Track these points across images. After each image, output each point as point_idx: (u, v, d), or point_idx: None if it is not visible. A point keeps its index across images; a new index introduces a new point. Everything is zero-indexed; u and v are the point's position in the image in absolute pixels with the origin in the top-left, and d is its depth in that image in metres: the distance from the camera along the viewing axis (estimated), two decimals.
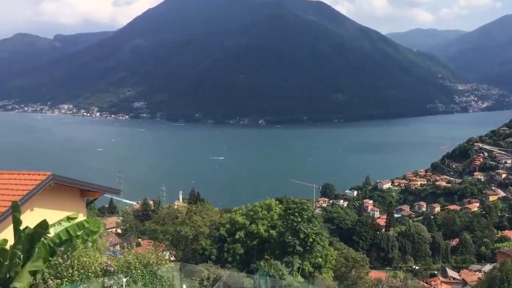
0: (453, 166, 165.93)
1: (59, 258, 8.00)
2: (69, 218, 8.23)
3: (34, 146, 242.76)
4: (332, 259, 27.15)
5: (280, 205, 28.46)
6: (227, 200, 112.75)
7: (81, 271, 8.23)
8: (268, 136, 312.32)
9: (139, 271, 9.06)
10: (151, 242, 39.58)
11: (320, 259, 25.11)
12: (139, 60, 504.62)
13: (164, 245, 32.17)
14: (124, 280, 8.46)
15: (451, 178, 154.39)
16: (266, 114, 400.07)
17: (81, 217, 13.36)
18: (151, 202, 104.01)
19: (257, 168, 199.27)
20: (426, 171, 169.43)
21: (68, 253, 8.08)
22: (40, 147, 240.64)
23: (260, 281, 16.18)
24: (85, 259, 8.38)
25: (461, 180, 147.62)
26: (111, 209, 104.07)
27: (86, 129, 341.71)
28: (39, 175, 11.48)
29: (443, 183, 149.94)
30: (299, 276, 21.74)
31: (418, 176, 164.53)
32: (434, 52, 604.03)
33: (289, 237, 23.02)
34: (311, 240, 22.89)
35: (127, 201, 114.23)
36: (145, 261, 9.22)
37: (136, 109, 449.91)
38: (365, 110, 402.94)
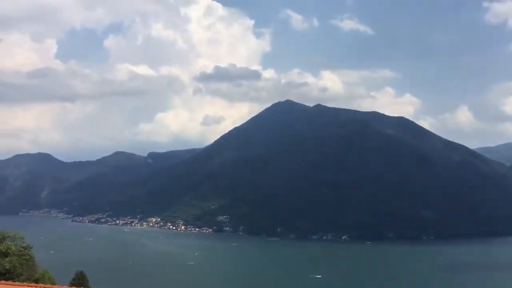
0: None
1: None
2: None
3: (130, 260, 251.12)
4: None
5: None
6: None
7: None
8: (355, 253, 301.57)
9: None
10: None
11: None
12: (224, 174, 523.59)
13: None
14: None
15: None
16: (350, 229, 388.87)
17: None
18: None
19: None
20: None
21: None
22: (136, 261, 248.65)
23: None
24: None
25: None
26: None
27: (172, 243, 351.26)
28: None
29: None
30: None
31: None
32: None
33: None
34: None
35: None
36: None
37: (219, 222, 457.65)
38: (457, 227, 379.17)
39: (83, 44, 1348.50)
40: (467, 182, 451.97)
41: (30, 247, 57.54)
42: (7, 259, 53.31)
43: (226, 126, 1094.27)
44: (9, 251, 54.52)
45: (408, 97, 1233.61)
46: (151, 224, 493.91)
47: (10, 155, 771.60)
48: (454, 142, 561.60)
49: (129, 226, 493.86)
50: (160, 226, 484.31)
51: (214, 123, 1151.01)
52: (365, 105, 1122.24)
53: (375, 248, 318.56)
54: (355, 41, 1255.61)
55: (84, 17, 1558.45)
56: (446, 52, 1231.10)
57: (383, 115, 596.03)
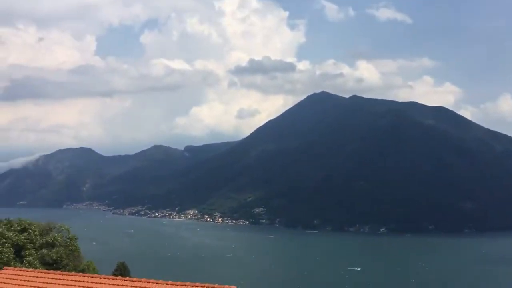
0: None
1: None
2: None
3: (169, 252, 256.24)
4: None
5: None
6: None
7: None
8: (395, 246, 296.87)
9: None
10: None
11: None
12: (259, 167, 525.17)
13: None
14: None
15: None
16: (388, 222, 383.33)
17: None
18: None
19: (383, 282, 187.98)
20: None
21: None
22: (176, 253, 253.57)
23: None
24: None
25: None
26: None
27: (210, 235, 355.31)
28: None
29: None
30: None
31: None
32: None
33: None
34: None
35: None
36: None
37: (255, 214, 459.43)
38: (499, 219, 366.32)
39: (121, 40, 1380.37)
40: (510, 172, 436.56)
41: (75, 238, 59.15)
42: (54, 249, 55.05)
43: (261, 119, 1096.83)
44: (56, 242, 56.25)
45: (448, 86, 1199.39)
46: (189, 217, 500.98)
47: (53, 150, 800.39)
48: (496, 132, 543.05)
49: (167, 219, 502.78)
50: (198, 219, 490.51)
51: (249, 116, 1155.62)
52: (402, 95, 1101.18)
53: (415, 241, 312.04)
54: (391, 29, 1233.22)
55: (121, 14, 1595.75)
56: (487, 39, 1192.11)
57: (421, 105, 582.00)
